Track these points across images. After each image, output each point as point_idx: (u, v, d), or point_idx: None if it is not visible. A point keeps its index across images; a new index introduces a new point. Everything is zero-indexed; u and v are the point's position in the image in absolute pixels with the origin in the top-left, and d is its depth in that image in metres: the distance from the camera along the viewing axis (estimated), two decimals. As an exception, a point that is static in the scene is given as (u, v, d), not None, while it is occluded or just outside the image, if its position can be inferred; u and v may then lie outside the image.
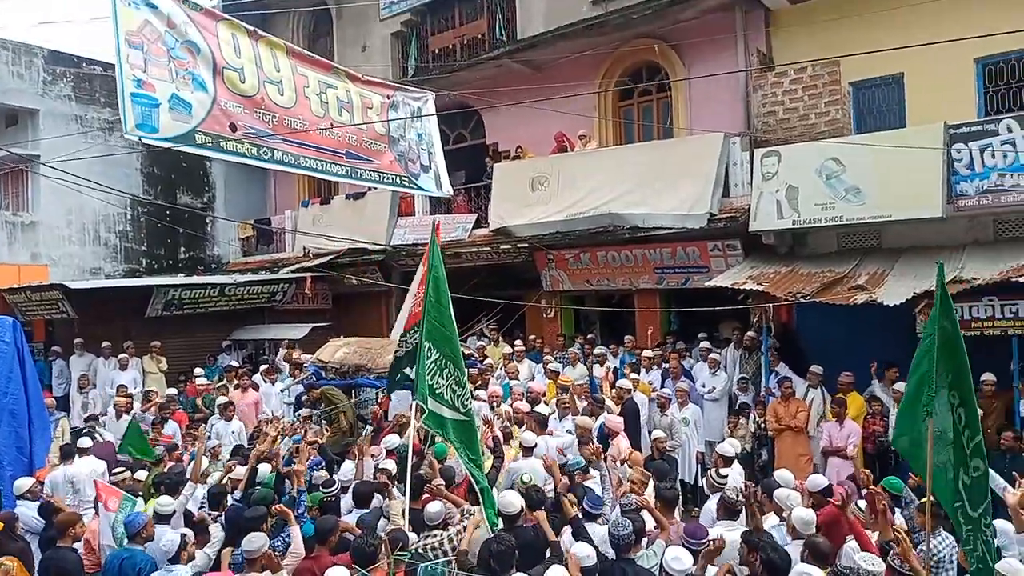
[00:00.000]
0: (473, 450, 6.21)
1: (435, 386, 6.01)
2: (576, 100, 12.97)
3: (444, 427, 6.17)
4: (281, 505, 6.11)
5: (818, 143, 10.37)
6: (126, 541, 6.14)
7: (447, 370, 6.11)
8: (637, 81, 13.79)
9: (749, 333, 10.76)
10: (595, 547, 5.16)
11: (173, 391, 12.29)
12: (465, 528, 5.80)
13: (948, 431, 4.72)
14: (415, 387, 6.22)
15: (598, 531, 5.74)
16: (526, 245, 13.14)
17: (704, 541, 5.08)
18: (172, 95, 7.65)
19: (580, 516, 5.93)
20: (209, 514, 6.98)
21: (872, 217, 9.65)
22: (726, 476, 6.80)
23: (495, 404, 9.90)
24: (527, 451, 7.80)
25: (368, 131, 10.04)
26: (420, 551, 5.46)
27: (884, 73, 10.64)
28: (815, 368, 9.66)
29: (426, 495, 6.60)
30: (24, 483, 7.36)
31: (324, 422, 10.17)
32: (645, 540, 5.56)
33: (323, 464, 8.31)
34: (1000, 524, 5.56)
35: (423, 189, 11.21)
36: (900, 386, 8.85)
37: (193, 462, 7.99)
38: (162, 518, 6.46)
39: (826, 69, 10.75)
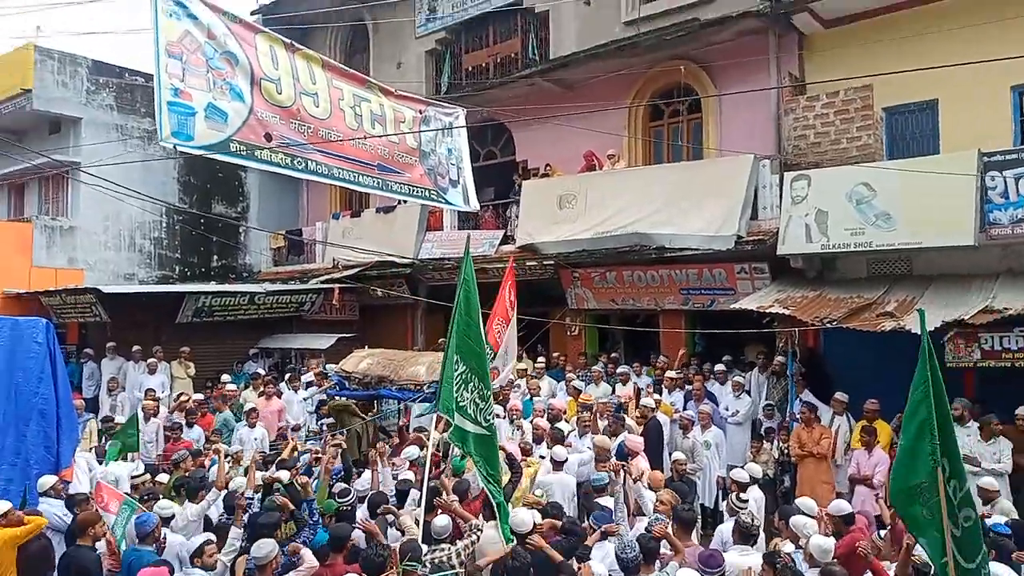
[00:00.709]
0: (492, 465, 6.19)
1: (459, 399, 6.00)
2: (606, 119, 13.04)
3: (466, 441, 6.16)
4: (284, 498, 6.17)
5: (849, 167, 10.28)
6: (129, 543, 6.22)
7: (471, 383, 6.10)
8: (668, 103, 13.80)
9: (778, 358, 10.63)
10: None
11: (200, 396, 12.43)
12: (473, 543, 5.78)
13: (932, 484, 4.50)
14: (437, 399, 6.22)
15: (605, 548, 5.71)
16: (552, 262, 13.16)
17: (719, 569, 5.02)
18: (208, 104, 7.79)
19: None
20: (227, 519, 7.03)
21: (903, 243, 9.53)
22: (747, 501, 6.73)
23: (514, 417, 9.91)
24: (557, 465, 7.87)
25: (400, 144, 10.15)
26: (427, 564, 5.45)
27: (918, 99, 10.55)
28: (840, 395, 9.53)
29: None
30: (47, 481, 7.47)
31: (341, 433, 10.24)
32: (658, 563, 5.52)
33: (341, 473, 8.35)
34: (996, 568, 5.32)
35: (451, 203, 11.30)
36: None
37: (214, 467, 8.09)
38: (164, 520, 6.53)
39: (859, 94, 10.67)
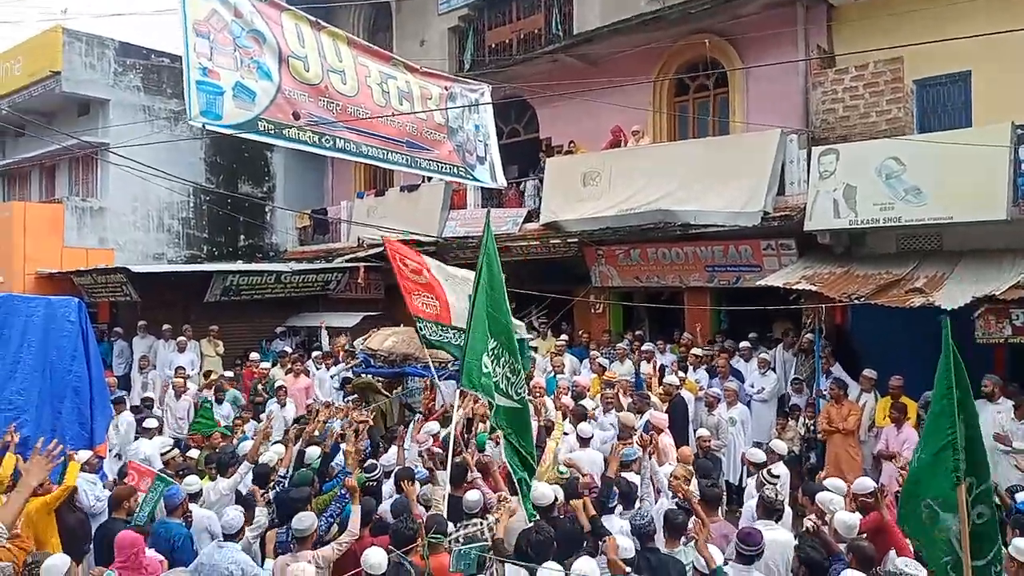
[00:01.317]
0: (525, 438, 6.14)
1: (493, 374, 5.93)
2: (631, 95, 12.92)
3: (497, 414, 6.13)
4: (351, 480, 6.21)
5: (878, 141, 10.12)
6: (156, 517, 6.38)
7: (503, 358, 6.05)
8: (694, 78, 13.64)
9: (806, 335, 10.55)
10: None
11: (230, 374, 12.63)
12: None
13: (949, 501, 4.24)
14: (460, 375, 6.20)
15: (615, 523, 5.76)
16: (576, 240, 13.13)
17: (759, 547, 5.02)
18: (236, 83, 7.80)
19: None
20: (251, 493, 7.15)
21: (932, 218, 9.38)
22: (778, 476, 6.73)
23: (538, 395, 9.95)
24: (584, 442, 7.97)
25: (428, 121, 10.09)
26: (460, 540, 5.53)
27: (949, 71, 10.33)
28: (868, 372, 9.46)
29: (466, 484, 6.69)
30: (82, 456, 7.65)
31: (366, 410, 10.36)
32: (683, 538, 5.55)
33: (368, 448, 8.45)
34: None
35: (479, 180, 11.23)
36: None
37: (242, 443, 8.26)
38: (191, 496, 6.66)
39: (889, 66, 10.46)
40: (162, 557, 5.69)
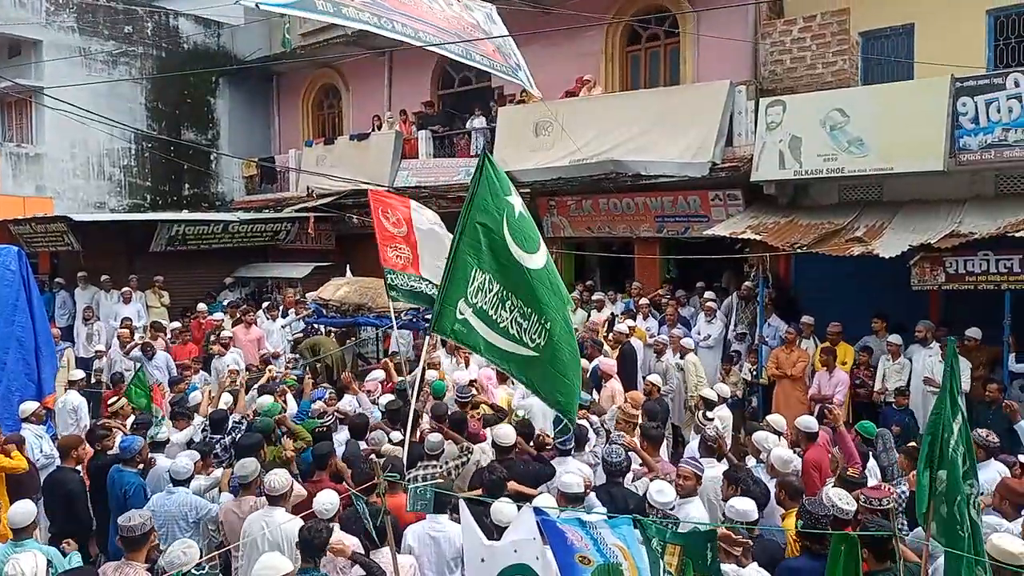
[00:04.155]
0: (549, 386, 5.36)
1: (499, 320, 5.35)
2: (583, 44, 12.85)
3: (508, 364, 5.51)
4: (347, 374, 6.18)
5: (824, 92, 10.31)
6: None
7: (508, 302, 5.35)
8: (646, 27, 13.61)
9: (747, 283, 10.83)
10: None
11: (177, 324, 12.44)
12: (464, 463, 5.98)
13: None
14: (432, 322, 5.62)
15: (571, 464, 5.95)
16: (528, 191, 13.12)
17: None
18: None
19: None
20: (212, 438, 7.19)
21: (874, 169, 9.65)
22: (712, 419, 6.99)
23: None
24: None
25: (464, 19, 9.64)
26: (419, 479, 5.65)
27: (894, 23, 10.51)
28: (807, 319, 9.79)
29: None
30: (29, 407, 7.56)
31: (307, 369, 10.38)
32: (630, 476, 5.77)
33: (323, 397, 8.45)
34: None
35: (523, 82, 10.74)
36: (894, 338, 9.01)
37: (191, 392, 8.32)
38: (156, 445, 6.67)
39: (836, 18, 10.60)
40: None
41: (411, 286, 8.58)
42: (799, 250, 9.40)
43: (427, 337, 7.05)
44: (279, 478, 5.20)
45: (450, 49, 9.02)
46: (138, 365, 10.11)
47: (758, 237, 9.80)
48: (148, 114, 18.51)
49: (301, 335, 12.36)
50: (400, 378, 8.64)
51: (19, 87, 15.46)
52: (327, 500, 4.85)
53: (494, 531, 4.61)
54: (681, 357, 9.69)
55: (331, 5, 7.45)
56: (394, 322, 9.60)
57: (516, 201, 5.25)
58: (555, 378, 5.33)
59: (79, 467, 6.61)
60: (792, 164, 10.17)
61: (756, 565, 4.44)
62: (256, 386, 8.88)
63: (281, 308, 13.69)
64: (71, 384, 9.27)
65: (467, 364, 9.57)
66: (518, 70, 10.21)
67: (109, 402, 8.52)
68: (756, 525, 4.70)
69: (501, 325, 5.35)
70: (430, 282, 8.45)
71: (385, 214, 8.78)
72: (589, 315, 11.63)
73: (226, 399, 7.93)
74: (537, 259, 5.20)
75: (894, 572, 3.96)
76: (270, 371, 9.45)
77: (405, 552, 4.98)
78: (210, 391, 9.17)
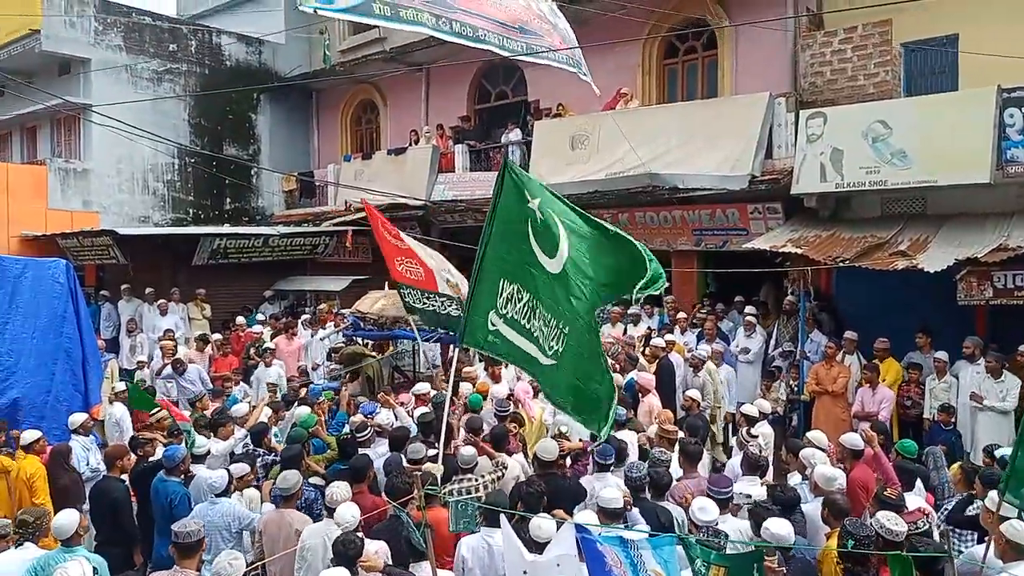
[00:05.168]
0: (566, 395, 5.30)
1: (531, 329, 5.21)
2: (620, 57, 12.84)
3: (538, 375, 5.46)
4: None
5: (865, 104, 10.17)
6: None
7: (538, 311, 5.19)
8: (683, 40, 13.58)
9: (789, 298, 10.68)
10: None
11: (219, 336, 12.65)
12: (500, 478, 5.96)
13: None
14: (461, 335, 5.52)
15: (610, 480, 5.90)
16: (565, 204, 13.12)
17: (727, 490, 5.21)
18: None
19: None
20: (254, 451, 7.28)
21: (918, 182, 9.47)
22: (756, 436, 6.89)
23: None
24: None
25: (531, 10, 9.43)
26: (455, 493, 5.65)
27: (937, 34, 10.35)
28: (850, 334, 9.61)
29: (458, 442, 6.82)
30: (77, 418, 7.72)
31: (347, 376, 10.45)
32: (668, 493, 5.71)
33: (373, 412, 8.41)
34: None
35: (585, 75, 10.65)
36: (940, 355, 8.80)
37: (232, 405, 8.44)
38: (197, 458, 6.76)
39: (877, 29, 10.46)
40: None
41: (426, 304, 8.54)
42: (841, 264, 9.25)
43: (456, 350, 6.96)
44: (340, 491, 5.25)
45: (510, 48, 8.71)
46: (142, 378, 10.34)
47: (799, 251, 9.66)
48: (191, 130, 18.91)
49: (341, 346, 12.46)
50: (434, 392, 8.68)
51: (68, 104, 15.89)
52: (347, 513, 4.86)
53: (532, 546, 4.58)
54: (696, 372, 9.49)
55: (389, 8, 7.40)
56: (418, 335, 9.64)
57: (536, 204, 5.04)
58: (574, 387, 5.21)
59: (124, 476, 6.73)
60: (833, 177, 10.03)
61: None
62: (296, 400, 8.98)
63: (314, 320, 13.83)
64: (116, 396, 9.44)
65: (497, 380, 9.31)
66: (581, 65, 10.07)
67: (151, 412, 8.65)
68: (792, 547, 4.61)
69: (534, 334, 5.22)
70: (448, 298, 8.43)
71: (385, 226, 8.82)
72: (626, 329, 11.56)
73: (267, 412, 8.04)
74: (556, 263, 5.03)
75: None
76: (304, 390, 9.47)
77: (457, 563, 5.00)
78: (249, 400, 9.31)
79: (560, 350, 5.11)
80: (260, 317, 14.34)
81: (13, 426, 7.53)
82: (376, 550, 4.80)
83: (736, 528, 5.09)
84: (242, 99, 19.47)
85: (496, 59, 14.41)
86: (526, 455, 7.03)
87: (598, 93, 10.82)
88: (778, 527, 4.61)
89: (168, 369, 10.94)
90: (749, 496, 5.48)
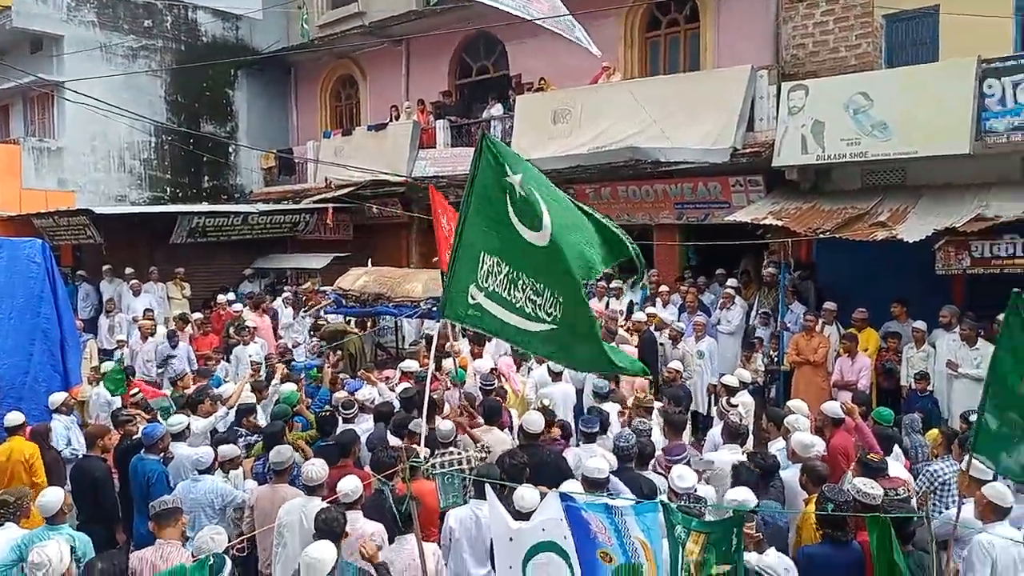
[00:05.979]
0: (574, 352, 5.31)
1: (514, 301, 5.26)
2: (602, 31, 12.74)
3: (530, 343, 5.39)
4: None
5: (847, 76, 10.18)
6: None
7: (519, 281, 5.24)
8: (666, 12, 13.50)
9: (768, 269, 10.74)
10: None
11: (199, 316, 12.56)
12: (484, 459, 5.97)
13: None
14: (441, 309, 5.52)
15: (595, 449, 5.95)
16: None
17: (680, 457, 5.50)
18: None
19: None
20: (236, 430, 7.26)
21: (897, 153, 9.52)
22: (736, 405, 6.95)
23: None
24: (556, 376, 8.18)
25: None
26: (438, 467, 5.67)
27: (919, 5, 10.35)
28: (829, 305, 9.70)
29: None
30: (57, 398, 7.65)
31: (327, 356, 10.41)
32: (652, 462, 5.76)
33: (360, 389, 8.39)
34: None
35: (582, 41, 10.52)
36: (919, 324, 8.89)
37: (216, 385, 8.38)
38: (177, 435, 6.70)
39: (859, 0, 10.45)
40: None
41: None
42: (821, 235, 9.31)
43: (438, 324, 6.90)
44: (316, 469, 5.23)
45: (530, 13, 8.83)
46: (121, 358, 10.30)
47: (780, 223, 9.70)
48: (167, 107, 18.60)
49: (324, 323, 12.41)
50: (418, 368, 8.66)
51: (41, 82, 15.56)
52: (350, 486, 4.87)
53: (517, 517, 4.60)
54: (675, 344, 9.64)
55: None
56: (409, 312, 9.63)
57: (516, 179, 5.05)
58: (579, 343, 5.20)
59: (105, 455, 6.68)
60: (815, 149, 10.05)
61: (774, 550, 4.42)
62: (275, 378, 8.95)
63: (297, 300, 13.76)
64: (101, 375, 9.30)
65: (479, 356, 9.36)
66: (575, 29, 10.04)
67: (131, 393, 8.59)
68: (757, 511, 4.66)
69: (517, 305, 5.26)
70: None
71: (447, 213, 8.70)
72: (607, 303, 11.59)
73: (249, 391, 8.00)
74: (543, 236, 5.02)
75: (915, 558, 3.95)
76: (281, 368, 9.39)
77: (445, 534, 5.04)
78: (230, 380, 9.26)
79: (558, 315, 5.14)
80: (232, 296, 14.17)
81: (-9, 407, 7.46)
82: (372, 532, 4.80)
83: (703, 494, 5.17)
84: (219, 75, 19.18)
85: (476, 32, 14.30)
86: (511, 429, 7.06)
87: (598, 54, 10.78)
88: (743, 495, 4.70)
89: (163, 345, 10.90)
90: (712, 463, 5.73)
